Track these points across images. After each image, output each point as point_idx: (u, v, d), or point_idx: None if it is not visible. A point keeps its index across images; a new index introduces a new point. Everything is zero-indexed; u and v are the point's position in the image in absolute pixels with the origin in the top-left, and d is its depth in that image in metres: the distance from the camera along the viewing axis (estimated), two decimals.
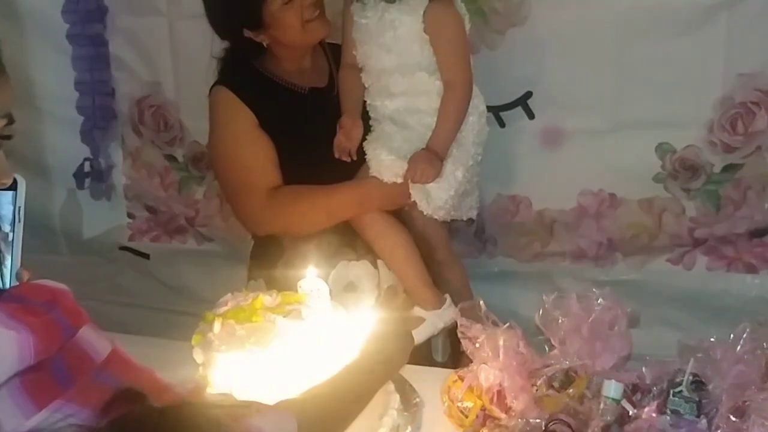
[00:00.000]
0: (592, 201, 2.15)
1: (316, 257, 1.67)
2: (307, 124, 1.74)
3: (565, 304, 1.30)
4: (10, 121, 0.97)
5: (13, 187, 0.98)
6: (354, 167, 1.75)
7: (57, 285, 0.96)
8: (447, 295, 1.76)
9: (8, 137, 0.98)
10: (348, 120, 1.72)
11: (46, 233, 2.65)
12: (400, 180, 1.69)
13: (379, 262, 1.77)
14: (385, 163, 1.70)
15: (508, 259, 2.28)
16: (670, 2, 1.95)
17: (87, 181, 2.56)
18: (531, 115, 2.12)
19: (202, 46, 2.28)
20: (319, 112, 1.75)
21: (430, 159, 1.66)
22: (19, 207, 0.98)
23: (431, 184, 1.68)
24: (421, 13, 1.62)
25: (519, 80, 2.10)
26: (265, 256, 1.81)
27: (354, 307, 1.66)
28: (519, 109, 2.12)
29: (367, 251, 1.77)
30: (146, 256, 2.61)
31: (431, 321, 1.72)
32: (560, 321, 1.29)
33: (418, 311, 1.74)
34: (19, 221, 0.99)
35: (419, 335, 1.69)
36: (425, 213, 1.73)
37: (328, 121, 1.73)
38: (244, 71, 1.78)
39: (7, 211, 0.98)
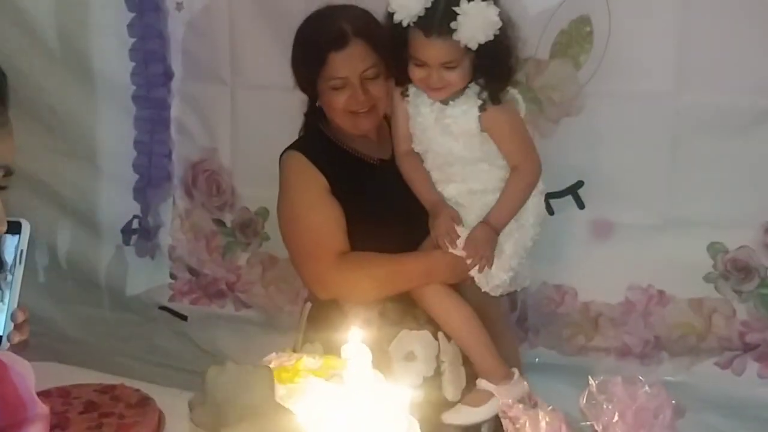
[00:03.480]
0: (641, 297, 2.11)
1: (379, 325, 1.70)
2: (377, 195, 1.75)
3: (610, 388, 1.27)
4: (8, 172, 0.99)
5: (17, 230, 1.01)
6: (417, 239, 1.76)
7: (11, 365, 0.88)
8: (515, 369, 1.73)
9: (3, 188, 0.99)
10: (451, 211, 1.72)
11: (91, 287, 2.69)
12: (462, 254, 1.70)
13: (439, 333, 1.75)
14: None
15: (550, 351, 2.23)
16: (728, 102, 1.95)
17: (134, 237, 2.59)
18: (581, 205, 2.11)
19: (261, 117, 2.38)
20: (388, 183, 1.77)
21: (489, 238, 1.67)
22: (22, 250, 1.02)
23: (496, 269, 1.70)
24: (476, 115, 1.64)
25: (571, 169, 2.10)
26: (324, 320, 1.78)
27: (410, 377, 1.68)
28: (569, 198, 2.12)
29: (428, 321, 1.75)
30: (184, 317, 2.61)
31: (501, 395, 1.64)
32: (605, 406, 1.26)
33: (484, 384, 1.69)
34: (20, 263, 1.02)
35: (486, 412, 1.67)
36: (483, 290, 1.74)
37: (395, 193, 1.76)
38: (318, 139, 1.82)
39: (10, 254, 1.02)
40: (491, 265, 1.70)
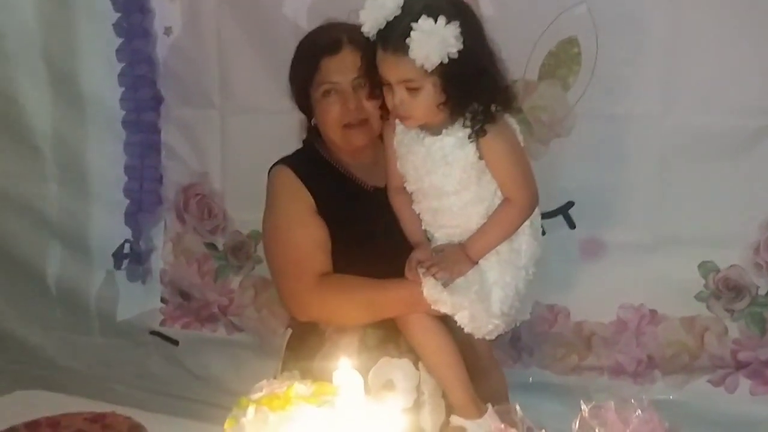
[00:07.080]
0: (633, 316, 2.12)
1: (358, 351, 1.63)
2: (366, 221, 1.70)
3: (602, 413, 1.27)
4: None
5: None
6: (403, 269, 1.64)
7: None
8: (489, 405, 1.64)
9: None
10: (424, 254, 1.61)
11: (81, 312, 2.68)
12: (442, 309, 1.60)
13: (420, 363, 1.69)
14: (430, 284, 1.59)
15: (544, 371, 2.24)
16: (715, 123, 1.97)
17: (125, 262, 2.59)
18: (572, 225, 2.13)
19: (251, 140, 2.38)
20: (379, 210, 1.70)
21: (457, 257, 1.57)
22: None
23: (483, 314, 1.56)
24: (471, 142, 1.52)
25: (561, 190, 2.11)
26: (303, 347, 1.73)
27: (389, 406, 1.63)
28: (560, 218, 2.13)
29: (410, 349, 1.68)
30: (176, 342, 2.60)
31: (473, 430, 1.60)
32: (597, 431, 1.26)
33: (457, 420, 1.63)
34: None
35: None
36: (476, 337, 1.61)
37: (386, 221, 1.69)
38: (311, 156, 1.78)
39: None
40: (446, 283, 1.56)
